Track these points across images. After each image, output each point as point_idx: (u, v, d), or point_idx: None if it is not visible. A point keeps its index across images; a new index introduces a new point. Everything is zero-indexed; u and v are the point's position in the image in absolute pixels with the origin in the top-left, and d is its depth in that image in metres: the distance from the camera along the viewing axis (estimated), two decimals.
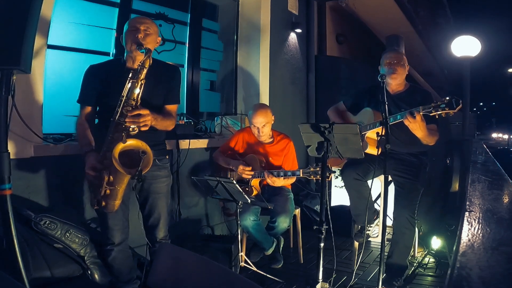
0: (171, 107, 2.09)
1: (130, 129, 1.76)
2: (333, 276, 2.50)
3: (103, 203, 1.79)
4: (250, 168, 2.73)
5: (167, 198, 2.14)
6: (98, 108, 2.05)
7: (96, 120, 2.08)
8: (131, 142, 1.74)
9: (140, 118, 1.76)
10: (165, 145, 2.18)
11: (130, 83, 1.77)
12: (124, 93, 1.76)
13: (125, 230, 2.03)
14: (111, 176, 1.75)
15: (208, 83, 3.80)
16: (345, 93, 4.51)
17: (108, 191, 1.77)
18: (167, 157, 2.14)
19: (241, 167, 2.72)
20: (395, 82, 2.51)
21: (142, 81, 1.78)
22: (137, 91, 1.77)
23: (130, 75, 1.77)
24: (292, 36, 4.26)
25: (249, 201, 2.36)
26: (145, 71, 1.78)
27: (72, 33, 2.65)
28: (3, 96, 1.55)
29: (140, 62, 1.79)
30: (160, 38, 2.06)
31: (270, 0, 3.83)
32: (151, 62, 1.81)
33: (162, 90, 2.03)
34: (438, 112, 2.10)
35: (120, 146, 1.71)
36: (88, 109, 2.01)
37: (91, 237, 2.07)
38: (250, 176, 2.73)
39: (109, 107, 1.91)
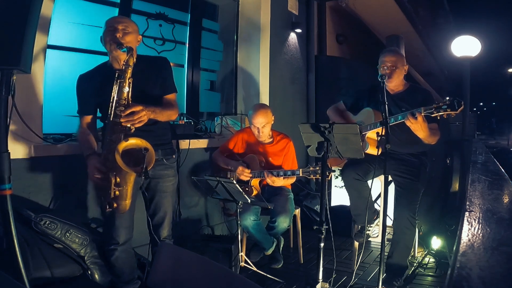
0: (170, 97, 2.08)
1: (127, 128, 1.75)
2: (333, 276, 2.50)
3: (115, 205, 1.80)
4: (249, 171, 2.73)
5: (173, 197, 2.16)
6: (99, 114, 2.06)
7: (101, 124, 2.09)
8: (132, 141, 1.74)
9: (135, 116, 1.75)
10: (172, 144, 2.18)
11: (118, 84, 1.76)
12: (114, 94, 1.76)
13: (130, 229, 2.04)
14: (117, 177, 1.75)
15: (208, 83, 3.80)
16: (345, 93, 4.51)
17: (117, 192, 1.78)
18: (173, 156, 2.15)
19: (240, 168, 2.72)
20: (392, 84, 2.51)
21: (129, 80, 1.77)
22: (126, 90, 1.77)
23: (116, 76, 1.77)
24: (292, 36, 4.26)
25: (249, 201, 2.36)
26: (130, 69, 1.77)
27: (72, 33, 2.65)
28: (3, 96, 1.55)
29: (124, 62, 1.78)
30: (140, 36, 2.04)
31: (270, 0, 3.83)
32: (135, 60, 1.80)
33: (156, 82, 2.03)
34: (440, 113, 2.09)
35: (123, 145, 1.71)
36: (87, 118, 2.03)
37: (92, 237, 2.07)
38: (248, 178, 2.73)
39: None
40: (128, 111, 1.74)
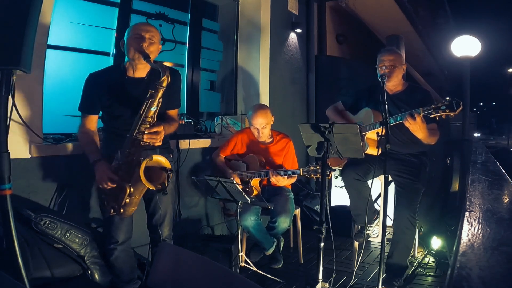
0: (173, 112, 2.13)
1: (147, 143, 1.82)
2: (333, 276, 2.50)
3: (121, 210, 1.84)
4: (241, 187, 2.70)
5: (172, 195, 2.19)
6: (101, 115, 2.06)
7: (101, 125, 2.10)
8: (156, 159, 1.81)
9: (158, 135, 1.82)
10: (169, 144, 2.21)
11: (148, 102, 1.79)
12: (142, 111, 1.79)
13: (129, 229, 2.05)
14: (131, 188, 1.80)
15: (208, 83, 3.80)
16: (345, 93, 4.51)
17: (127, 201, 1.83)
18: (171, 155, 2.17)
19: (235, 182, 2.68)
20: (391, 84, 2.51)
21: (159, 100, 1.81)
22: (154, 109, 1.81)
23: (148, 95, 1.79)
24: (292, 36, 4.26)
25: (249, 201, 2.36)
26: (162, 90, 1.79)
27: (72, 33, 2.65)
28: (3, 96, 1.55)
29: (157, 84, 1.78)
30: (161, 46, 2.06)
31: (270, 0, 3.83)
32: (169, 81, 1.80)
33: (164, 97, 2.03)
34: (439, 114, 2.09)
35: (146, 163, 1.77)
36: (91, 117, 2.02)
37: (92, 237, 2.07)
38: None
39: (113, 116, 1.94)
40: (153, 130, 1.81)
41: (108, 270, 2.07)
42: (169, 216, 2.13)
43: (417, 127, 2.16)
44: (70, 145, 2.28)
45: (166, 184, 1.79)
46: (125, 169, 1.81)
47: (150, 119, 1.80)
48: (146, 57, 1.83)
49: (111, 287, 2.09)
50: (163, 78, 1.77)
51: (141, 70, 1.98)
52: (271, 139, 2.94)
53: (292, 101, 4.29)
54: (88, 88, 2.00)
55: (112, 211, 1.85)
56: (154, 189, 1.78)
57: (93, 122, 2.02)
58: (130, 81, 1.96)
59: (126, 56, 1.98)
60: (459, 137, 3.79)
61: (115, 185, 1.81)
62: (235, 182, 2.25)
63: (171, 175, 1.80)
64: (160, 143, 1.87)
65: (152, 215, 2.11)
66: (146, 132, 1.79)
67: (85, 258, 2.02)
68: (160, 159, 1.82)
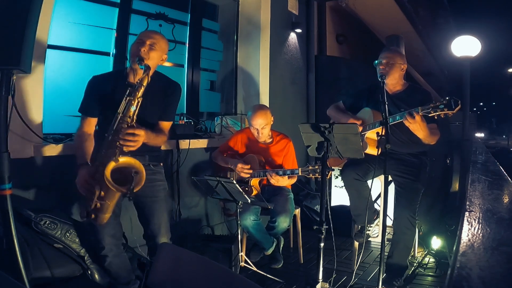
0: (165, 124, 2.07)
1: (124, 147, 1.73)
2: (333, 276, 2.50)
3: (93, 216, 1.75)
4: (248, 166, 2.72)
5: (165, 203, 2.07)
6: (99, 118, 2.04)
7: (97, 127, 2.08)
8: (124, 160, 1.69)
9: (134, 137, 1.73)
10: (161, 152, 2.17)
11: (127, 100, 1.73)
12: (120, 110, 1.73)
13: (116, 233, 1.98)
14: (102, 192, 1.70)
15: (208, 83, 3.80)
16: (345, 93, 4.50)
17: (98, 205, 1.73)
18: (161, 164, 2.12)
19: (239, 165, 2.72)
20: (390, 82, 2.50)
21: (139, 99, 1.74)
22: (133, 108, 1.73)
23: (127, 92, 1.73)
24: (292, 36, 4.27)
25: (249, 201, 2.35)
26: (142, 89, 1.74)
27: (72, 33, 2.65)
28: (3, 96, 1.55)
29: (138, 80, 1.75)
30: (166, 56, 2.02)
31: (270, 0, 3.83)
32: (149, 80, 1.76)
33: (159, 106, 2.00)
34: (437, 113, 2.10)
35: (112, 165, 1.66)
36: (90, 120, 2.00)
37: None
38: (249, 175, 2.73)
39: (110, 120, 1.91)
40: (130, 131, 1.72)
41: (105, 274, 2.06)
42: (164, 225, 2.04)
43: (417, 126, 2.16)
44: (70, 145, 2.28)
45: (130, 187, 1.64)
46: (101, 170, 1.70)
47: (129, 119, 1.72)
48: (140, 60, 1.80)
49: (111, 287, 2.09)
50: (143, 76, 1.74)
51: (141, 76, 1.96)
52: (271, 139, 2.94)
53: (292, 101, 4.29)
54: (89, 90, 1.99)
55: (85, 216, 1.76)
56: (120, 192, 1.68)
57: (91, 124, 2.00)
58: (130, 87, 1.95)
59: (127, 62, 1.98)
60: (459, 137, 3.79)
61: (89, 188, 1.73)
62: (235, 182, 2.25)
63: (136, 177, 1.67)
64: (133, 149, 1.75)
65: (146, 225, 2.04)
66: (123, 132, 1.71)
67: (85, 258, 2.02)
68: (129, 160, 1.69)
